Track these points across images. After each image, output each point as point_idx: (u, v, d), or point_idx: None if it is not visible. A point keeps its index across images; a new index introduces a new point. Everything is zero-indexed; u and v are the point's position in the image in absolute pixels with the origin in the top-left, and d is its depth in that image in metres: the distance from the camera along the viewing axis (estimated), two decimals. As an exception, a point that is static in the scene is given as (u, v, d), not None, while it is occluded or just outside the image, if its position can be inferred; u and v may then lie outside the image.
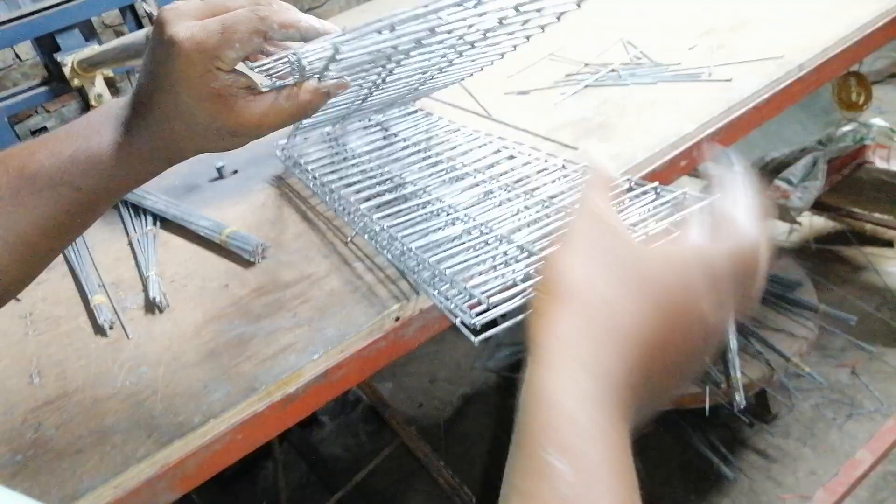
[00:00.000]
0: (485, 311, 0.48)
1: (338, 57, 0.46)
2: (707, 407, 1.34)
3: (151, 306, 0.66)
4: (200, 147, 0.47)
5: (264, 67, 0.47)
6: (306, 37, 0.47)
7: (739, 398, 1.32)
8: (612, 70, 0.89)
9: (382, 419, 1.73)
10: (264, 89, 0.46)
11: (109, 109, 0.46)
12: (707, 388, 1.35)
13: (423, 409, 1.90)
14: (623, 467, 0.28)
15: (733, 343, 1.40)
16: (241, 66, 0.46)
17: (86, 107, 1.60)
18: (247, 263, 0.69)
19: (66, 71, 1.43)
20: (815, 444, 1.58)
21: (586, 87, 0.87)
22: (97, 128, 0.45)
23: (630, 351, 0.31)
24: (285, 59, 0.46)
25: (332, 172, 0.78)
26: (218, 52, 0.43)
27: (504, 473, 0.30)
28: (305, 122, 0.82)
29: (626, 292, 0.32)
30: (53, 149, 0.44)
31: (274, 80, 0.47)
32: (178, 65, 0.42)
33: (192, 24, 0.43)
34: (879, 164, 1.76)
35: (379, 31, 0.47)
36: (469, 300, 0.51)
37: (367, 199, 0.69)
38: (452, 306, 0.52)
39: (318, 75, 0.48)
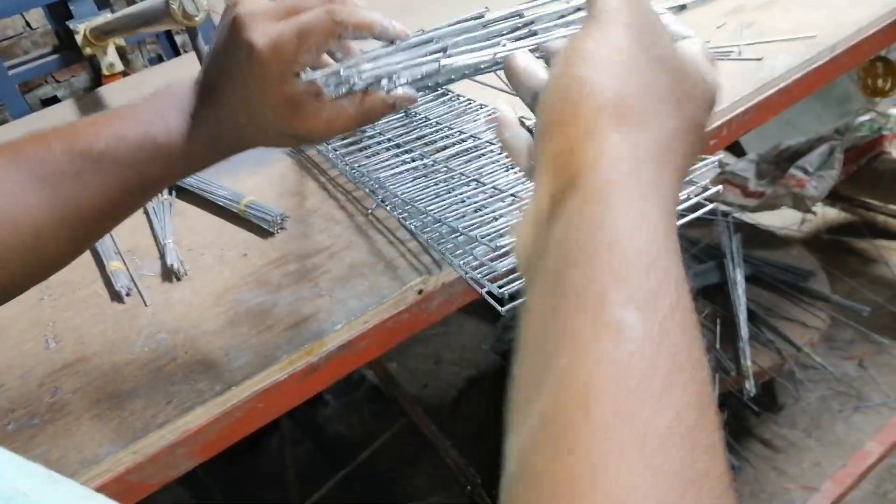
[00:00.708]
0: (512, 281, 0.48)
1: (393, 80, 0.45)
2: (717, 394, 1.33)
3: (169, 274, 0.65)
4: (261, 142, 0.47)
5: (317, 78, 0.45)
6: (380, 38, 0.46)
7: (749, 386, 1.32)
8: (638, 48, 0.87)
9: (388, 398, 1.73)
10: (333, 96, 0.45)
11: (173, 94, 0.46)
12: (717, 376, 1.34)
13: (428, 390, 1.90)
14: (695, 321, 0.24)
15: (745, 331, 1.39)
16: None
17: (96, 76, 1.59)
18: (265, 233, 0.68)
19: (79, 39, 1.41)
20: (820, 436, 1.58)
21: (611, 64, 0.85)
22: (161, 113, 0.45)
23: (681, 175, 0.29)
24: (337, 72, 0.45)
25: (352, 145, 0.77)
26: (295, 57, 0.42)
27: (528, 337, 0.25)
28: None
29: (679, 110, 0.29)
30: (118, 131, 0.44)
31: (342, 88, 0.46)
32: (256, 70, 0.42)
33: (270, 30, 0.42)
34: (896, 155, 1.75)
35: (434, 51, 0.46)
36: (494, 273, 0.50)
37: (389, 172, 0.68)
38: (479, 276, 0.51)
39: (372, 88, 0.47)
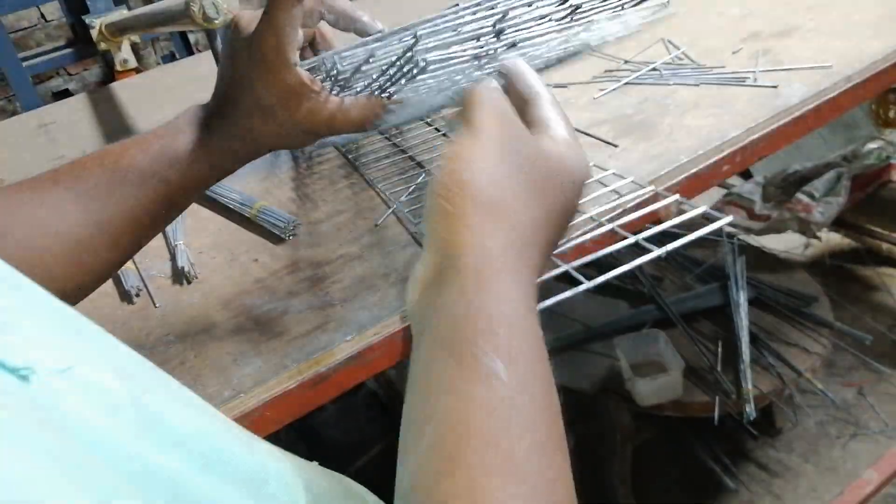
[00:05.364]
0: None
1: (371, 62, 0.47)
2: (717, 417, 1.33)
3: (179, 276, 0.65)
4: (277, 143, 0.51)
5: (309, 66, 0.49)
6: (360, 29, 0.52)
7: (749, 409, 1.32)
8: (654, 69, 0.87)
9: (386, 404, 1.72)
10: (329, 89, 0.49)
11: (190, 112, 0.51)
12: (717, 399, 1.34)
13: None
14: (548, 369, 0.31)
15: (746, 354, 1.39)
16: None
17: (109, 71, 1.59)
18: (277, 239, 0.68)
19: (94, 34, 1.42)
20: (817, 462, 1.58)
21: (626, 83, 0.86)
22: (181, 128, 0.49)
23: (543, 254, 0.36)
24: (321, 64, 0.49)
25: (365, 155, 0.77)
26: (287, 29, 0.46)
27: (417, 382, 0.31)
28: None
29: (541, 202, 0.35)
30: (143, 146, 0.49)
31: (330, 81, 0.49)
32: (257, 56, 0.46)
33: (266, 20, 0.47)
34: (903, 184, 1.75)
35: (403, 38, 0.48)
36: None
37: (404, 185, 0.68)
38: None
39: (349, 82, 0.50)
